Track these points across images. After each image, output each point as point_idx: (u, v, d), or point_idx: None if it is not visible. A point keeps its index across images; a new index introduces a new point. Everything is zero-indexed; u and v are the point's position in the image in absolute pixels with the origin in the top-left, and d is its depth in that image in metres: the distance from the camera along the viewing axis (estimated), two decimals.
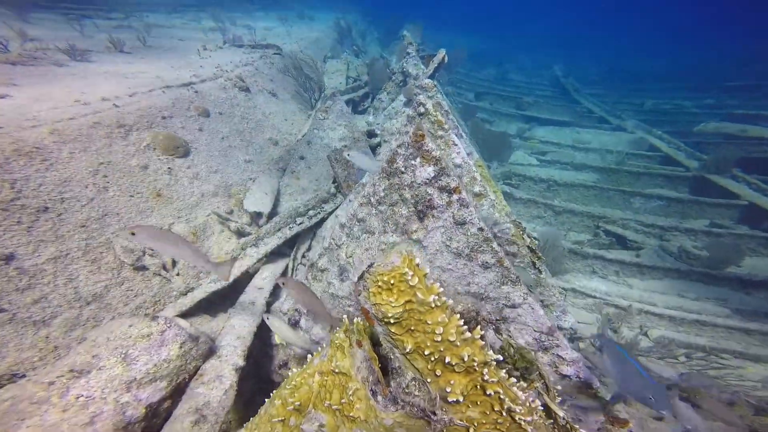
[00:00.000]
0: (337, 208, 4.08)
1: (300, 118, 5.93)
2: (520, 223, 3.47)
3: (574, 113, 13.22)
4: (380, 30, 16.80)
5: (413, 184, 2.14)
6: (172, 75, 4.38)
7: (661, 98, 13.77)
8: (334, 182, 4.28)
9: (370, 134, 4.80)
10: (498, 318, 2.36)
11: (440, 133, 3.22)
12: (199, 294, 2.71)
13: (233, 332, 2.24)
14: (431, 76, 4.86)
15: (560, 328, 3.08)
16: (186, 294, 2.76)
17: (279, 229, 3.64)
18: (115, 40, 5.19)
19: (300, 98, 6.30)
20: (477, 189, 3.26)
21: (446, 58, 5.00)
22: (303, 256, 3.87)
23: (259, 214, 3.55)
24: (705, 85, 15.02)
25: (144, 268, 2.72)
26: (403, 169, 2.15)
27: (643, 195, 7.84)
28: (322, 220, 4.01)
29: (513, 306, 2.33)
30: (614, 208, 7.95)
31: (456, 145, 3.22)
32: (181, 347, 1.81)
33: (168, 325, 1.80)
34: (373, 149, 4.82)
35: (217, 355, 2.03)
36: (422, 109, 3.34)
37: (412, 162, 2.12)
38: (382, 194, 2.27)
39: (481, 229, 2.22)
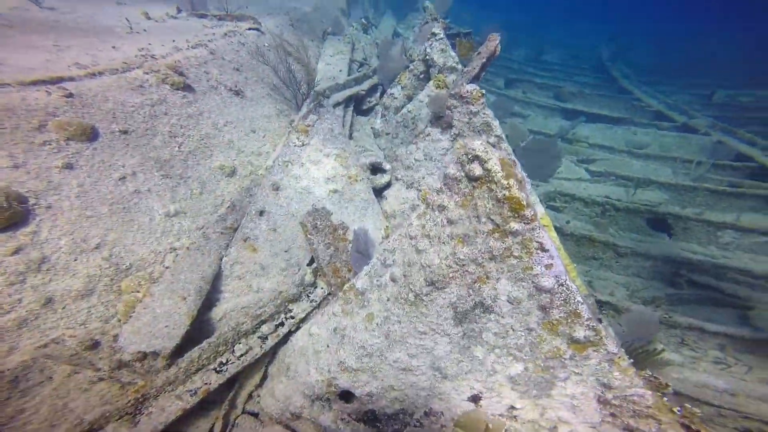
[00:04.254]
0: (313, 310, 2.41)
1: (278, 126, 4.13)
2: (656, 378, 1.77)
3: (627, 107, 10.94)
4: None
5: None
6: (31, 62, 2.60)
7: (736, 88, 11.27)
8: (311, 263, 2.58)
9: (375, 169, 3.02)
10: None
11: (514, 226, 1.47)
12: None
13: None
14: (475, 79, 2.98)
15: None
16: None
17: (199, 370, 2.00)
18: None
19: (280, 95, 4.47)
20: (582, 333, 1.58)
21: (499, 49, 3.08)
22: (250, 397, 2.25)
23: (154, 354, 1.90)
24: None
25: None
26: None
27: (737, 227, 5.88)
28: (289, 334, 2.36)
29: None
30: (692, 242, 6.05)
31: (545, 250, 1.47)
32: None
33: None
34: (379, 192, 3.06)
35: None
36: (477, 171, 1.57)
37: None
38: None
39: None
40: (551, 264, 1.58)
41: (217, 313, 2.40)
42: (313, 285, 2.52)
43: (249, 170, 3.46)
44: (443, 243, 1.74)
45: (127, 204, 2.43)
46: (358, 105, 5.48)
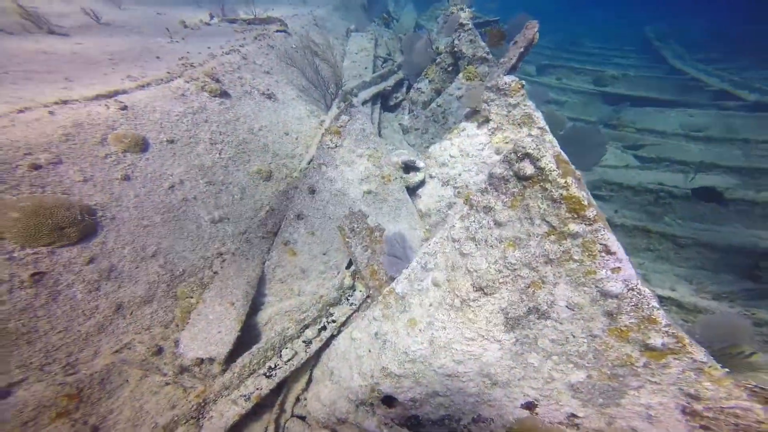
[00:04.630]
0: (354, 314, 2.41)
1: (309, 127, 4.19)
2: (765, 389, 1.56)
3: (678, 88, 9.88)
4: None
5: None
6: (93, 77, 2.81)
7: None
8: (348, 266, 2.58)
9: (408, 167, 2.94)
10: None
11: (574, 228, 1.34)
12: None
13: None
14: (512, 69, 2.79)
15: None
16: None
17: (250, 375, 2.06)
18: (31, 13, 3.60)
19: (309, 96, 4.52)
20: (659, 340, 1.44)
21: (537, 37, 2.85)
22: (297, 401, 2.30)
23: (210, 360, 1.98)
24: None
25: None
26: None
27: None
28: (331, 338, 2.37)
29: None
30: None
31: (611, 253, 1.32)
32: None
33: None
34: (413, 191, 2.98)
35: None
36: (529, 170, 1.46)
37: None
38: None
39: None
40: (619, 267, 1.42)
41: (262, 317, 2.47)
42: (352, 288, 2.51)
43: (284, 173, 3.54)
44: (491, 246, 1.63)
45: (177, 212, 2.56)
46: (384, 101, 5.42)
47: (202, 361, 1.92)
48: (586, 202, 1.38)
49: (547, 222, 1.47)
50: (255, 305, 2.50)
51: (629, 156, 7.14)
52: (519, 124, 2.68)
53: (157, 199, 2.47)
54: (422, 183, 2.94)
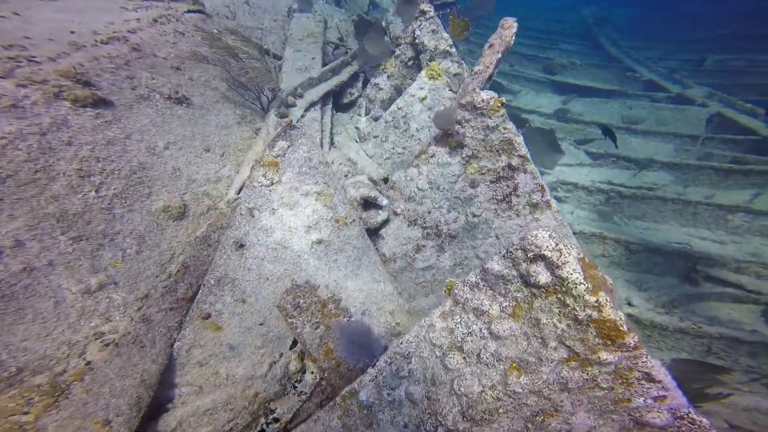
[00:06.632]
0: (303, 405, 1.86)
1: (240, 138, 3.34)
2: None
3: (619, 77, 10.38)
4: None
5: None
6: None
7: (726, 52, 10.85)
8: (294, 345, 1.98)
9: (368, 203, 2.35)
10: None
11: (605, 356, 0.92)
12: None
13: None
14: (488, 80, 2.29)
15: None
16: None
17: None
18: None
19: (239, 96, 3.62)
20: None
21: (513, 40, 2.36)
22: None
23: None
24: None
25: None
26: None
27: (750, 210, 5.59)
28: None
29: None
30: (700, 228, 5.79)
31: (655, 381, 0.90)
32: None
33: None
34: (374, 232, 2.42)
35: None
36: (543, 278, 0.96)
37: None
38: None
39: None
40: (664, 396, 1.05)
41: (169, 422, 1.79)
42: (301, 371, 1.93)
43: (206, 205, 2.72)
44: (486, 365, 1.17)
45: (12, 290, 1.70)
46: (337, 98, 4.66)
47: None
48: (624, 327, 0.97)
49: (567, 347, 1.03)
50: (159, 401, 1.81)
51: (581, 152, 7.31)
52: (497, 151, 2.22)
53: None
54: (386, 222, 2.38)
